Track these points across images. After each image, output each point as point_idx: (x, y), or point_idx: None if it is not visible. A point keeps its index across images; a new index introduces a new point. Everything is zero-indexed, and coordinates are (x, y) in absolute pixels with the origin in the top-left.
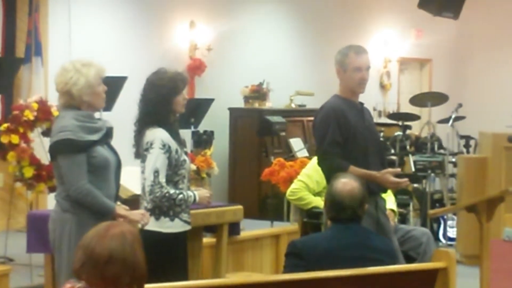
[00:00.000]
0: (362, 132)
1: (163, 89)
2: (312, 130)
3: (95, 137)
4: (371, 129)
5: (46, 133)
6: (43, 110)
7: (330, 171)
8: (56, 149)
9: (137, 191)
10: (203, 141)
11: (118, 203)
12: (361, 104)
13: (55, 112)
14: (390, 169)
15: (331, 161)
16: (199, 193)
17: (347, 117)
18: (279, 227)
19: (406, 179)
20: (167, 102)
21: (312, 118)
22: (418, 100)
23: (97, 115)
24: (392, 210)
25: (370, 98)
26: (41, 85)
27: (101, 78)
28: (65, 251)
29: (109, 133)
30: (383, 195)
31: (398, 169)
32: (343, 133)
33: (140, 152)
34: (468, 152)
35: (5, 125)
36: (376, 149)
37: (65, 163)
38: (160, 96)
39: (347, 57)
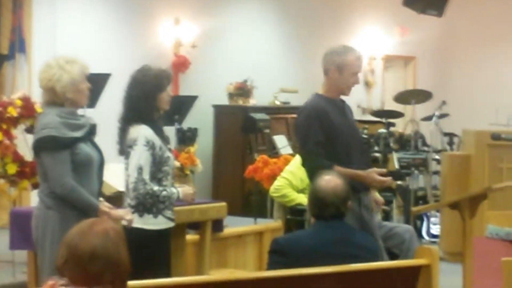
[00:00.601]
0: (344, 131)
1: (147, 86)
2: (294, 130)
3: (78, 134)
4: (353, 127)
5: (29, 130)
6: (27, 107)
7: (315, 172)
8: (39, 146)
9: (121, 188)
10: (187, 138)
11: (101, 199)
12: (342, 101)
13: (38, 109)
14: (376, 169)
15: (315, 161)
16: (182, 190)
17: (330, 117)
18: (262, 224)
19: (390, 178)
20: (151, 99)
21: (296, 115)
22: (402, 97)
23: (80, 112)
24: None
25: (354, 96)
26: (24, 82)
27: (85, 75)
28: (48, 248)
29: (92, 130)
30: None
31: (384, 170)
32: (325, 133)
33: (124, 149)
34: (451, 149)
35: None
36: (358, 147)
37: (48, 160)
38: (144, 93)
39: (347, 60)
